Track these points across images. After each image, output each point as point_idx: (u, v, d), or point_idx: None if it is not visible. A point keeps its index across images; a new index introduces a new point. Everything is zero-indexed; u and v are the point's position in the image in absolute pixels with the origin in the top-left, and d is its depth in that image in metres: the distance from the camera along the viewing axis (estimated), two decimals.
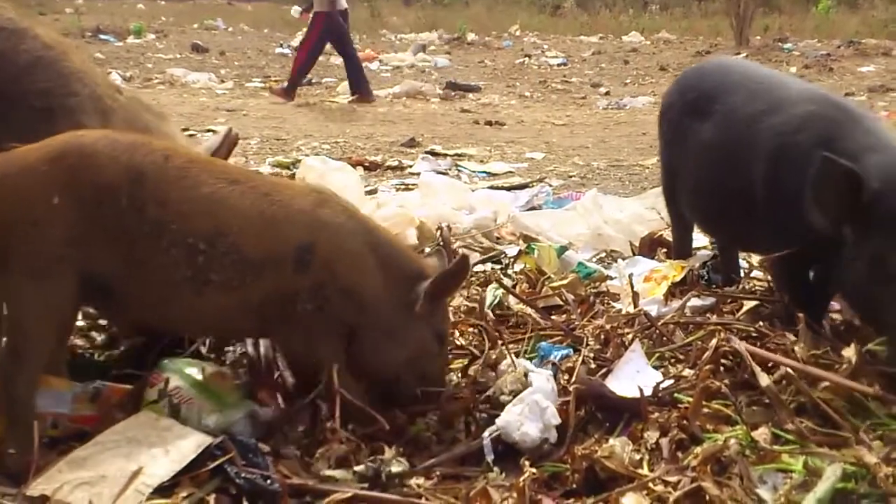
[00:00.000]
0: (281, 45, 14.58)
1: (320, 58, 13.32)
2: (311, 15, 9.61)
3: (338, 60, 13.36)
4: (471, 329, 2.29)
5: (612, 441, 1.74)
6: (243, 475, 1.56)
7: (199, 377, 1.90)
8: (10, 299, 1.68)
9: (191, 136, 6.74)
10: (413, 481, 1.68)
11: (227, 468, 1.58)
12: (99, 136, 1.78)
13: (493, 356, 2.09)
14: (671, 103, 2.95)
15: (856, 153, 2.08)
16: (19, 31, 1.82)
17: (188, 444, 1.62)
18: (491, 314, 2.42)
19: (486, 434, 1.84)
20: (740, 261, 3.00)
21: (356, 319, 1.89)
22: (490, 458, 1.80)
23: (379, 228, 2.00)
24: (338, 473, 1.67)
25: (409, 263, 1.96)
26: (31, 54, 1.80)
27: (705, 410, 1.83)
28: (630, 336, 2.20)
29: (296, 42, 14.76)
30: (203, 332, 2.07)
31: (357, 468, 1.67)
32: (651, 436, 1.77)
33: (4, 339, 1.70)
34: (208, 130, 7.14)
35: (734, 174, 2.48)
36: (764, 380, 1.83)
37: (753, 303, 2.42)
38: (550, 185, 5.33)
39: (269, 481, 1.57)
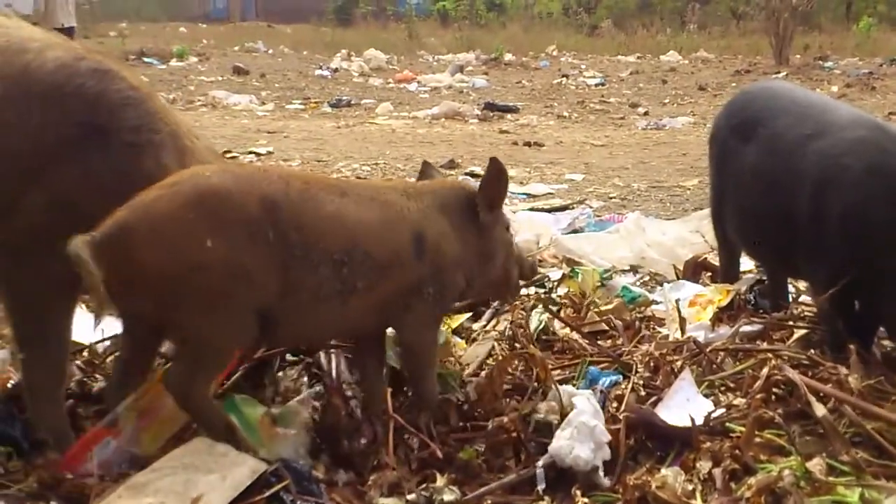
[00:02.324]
0: (320, 67, 14.78)
1: (358, 80, 13.49)
2: None
3: (377, 82, 13.58)
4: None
5: (664, 471, 1.74)
6: (298, 503, 1.58)
7: (259, 429, 1.91)
8: (192, 333, 1.78)
9: (233, 157, 6.87)
10: None
11: (282, 495, 1.60)
12: (219, 173, 1.85)
13: (541, 388, 2.08)
14: (719, 127, 2.95)
15: None
16: (111, 73, 1.94)
17: (244, 471, 1.64)
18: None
19: (539, 462, 1.84)
20: (788, 286, 2.97)
21: (468, 274, 2.07)
22: (542, 486, 1.80)
23: (438, 192, 2.11)
24: (390, 502, 1.68)
25: (457, 199, 2.09)
26: (122, 93, 1.92)
27: (758, 440, 1.82)
28: (679, 363, 2.19)
29: (335, 64, 15.01)
30: (338, 338, 2.15)
31: (409, 496, 1.68)
32: (703, 466, 1.76)
33: (183, 354, 1.83)
34: (250, 152, 7.26)
35: (780, 198, 2.47)
36: (819, 410, 1.81)
37: (803, 330, 2.39)
38: (591, 207, 5.32)
39: None
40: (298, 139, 8.30)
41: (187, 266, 1.71)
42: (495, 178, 2.08)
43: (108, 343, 2.42)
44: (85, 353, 2.35)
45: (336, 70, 14.63)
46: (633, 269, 3.71)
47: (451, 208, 2.06)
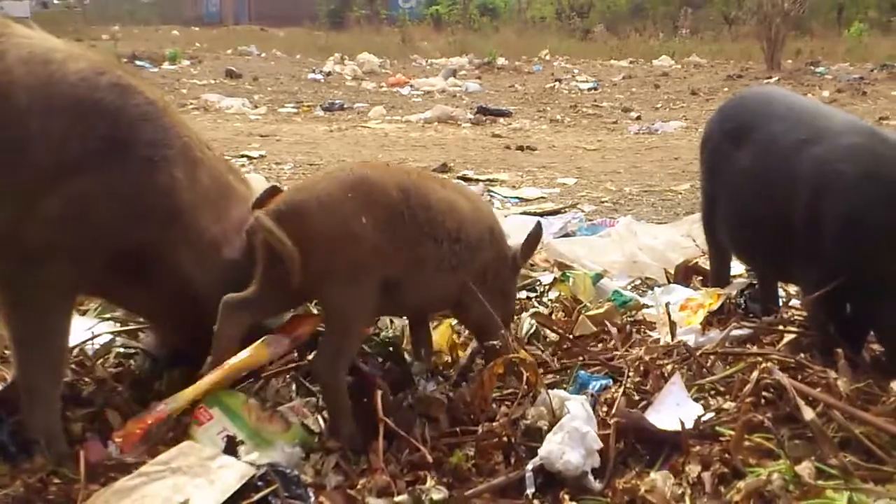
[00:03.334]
0: (313, 71, 14.79)
1: (351, 83, 13.49)
2: None
3: (369, 85, 13.58)
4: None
5: (653, 475, 1.74)
6: None
7: (246, 417, 1.93)
8: (334, 303, 2.04)
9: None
10: None
11: (270, 500, 1.59)
12: (365, 166, 2.23)
13: (532, 392, 2.08)
14: (712, 132, 2.95)
15: None
16: (130, 88, 2.01)
17: (232, 475, 1.63)
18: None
19: (529, 465, 1.84)
20: (779, 290, 2.98)
21: (511, 276, 2.42)
22: (531, 490, 1.80)
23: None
24: (379, 503, 1.68)
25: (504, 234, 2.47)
26: (140, 108, 2.00)
27: (747, 444, 1.82)
28: (669, 367, 2.19)
29: (328, 67, 15.01)
30: (438, 309, 2.46)
31: (398, 498, 1.68)
32: (693, 469, 1.76)
33: (326, 337, 2.06)
34: (242, 156, 7.25)
35: (773, 203, 2.47)
36: (808, 413, 1.81)
37: (793, 334, 2.40)
38: (583, 211, 5.33)
39: None
40: (291, 143, 8.30)
41: (344, 238, 1.98)
42: (536, 238, 2.44)
43: (98, 346, 2.42)
44: (77, 356, 2.34)
45: (329, 74, 14.63)
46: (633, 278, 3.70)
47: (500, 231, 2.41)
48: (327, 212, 1.99)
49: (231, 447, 1.79)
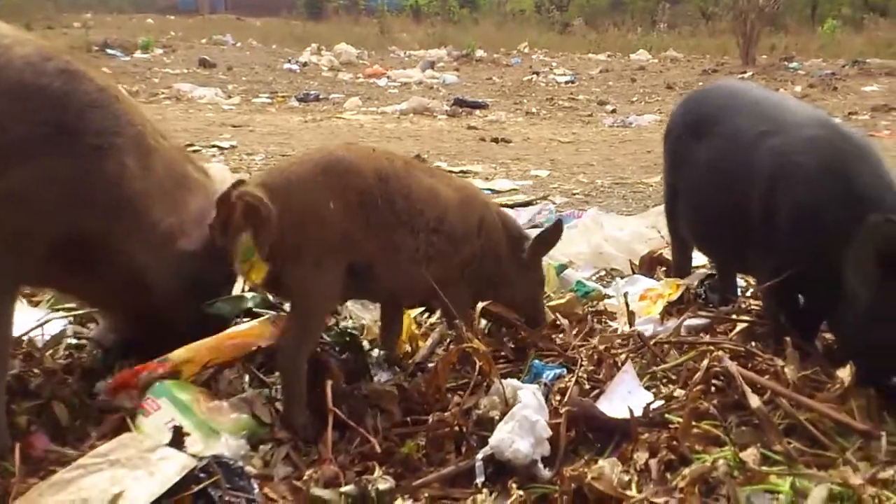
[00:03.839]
0: (289, 61, 14.69)
1: (327, 74, 13.39)
2: None
3: (346, 76, 13.51)
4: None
5: (601, 462, 1.74)
6: (227, 498, 1.56)
7: (195, 407, 1.92)
8: (299, 285, 2.03)
9: (195, 151, 6.80)
10: (399, 503, 1.68)
11: (210, 492, 1.57)
12: (345, 149, 2.16)
13: (485, 381, 2.08)
14: (674, 123, 2.97)
15: (870, 197, 2.07)
16: (78, 74, 1.96)
17: (172, 467, 1.61)
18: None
19: (479, 455, 1.84)
20: (738, 280, 3.00)
21: (494, 271, 2.39)
22: (480, 479, 1.80)
23: (495, 203, 2.57)
24: (325, 494, 1.67)
25: (517, 229, 2.51)
26: (90, 95, 1.96)
27: (696, 431, 1.83)
28: (623, 356, 2.20)
29: (304, 58, 14.92)
30: (414, 298, 2.42)
31: (344, 489, 1.67)
32: (640, 457, 1.76)
33: (290, 319, 2.06)
34: (213, 146, 7.19)
35: (733, 194, 2.48)
36: (754, 401, 1.82)
37: (746, 323, 2.42)
38: (554, 203, 5.34)
39: None
40: (264, 133, 8.24)
41: (311, 220, 1.98)
42: (552, 235, 2.47)
43: (48, 338, 2.39)
44: (25, 347, 2.31)
45: (305, 64, 14.54)
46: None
47: (507, 226, 2.44)
48: (296, 194, 1.98)
49: (177, 438, 1.77)
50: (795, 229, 2.24)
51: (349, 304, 2.69)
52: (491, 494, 1.75)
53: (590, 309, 2.89)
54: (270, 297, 2.44)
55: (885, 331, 1.97)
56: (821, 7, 22.17)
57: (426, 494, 1.75)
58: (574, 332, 2.57)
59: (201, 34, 17.88)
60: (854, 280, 2.00)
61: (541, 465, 1.81)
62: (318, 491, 1.68)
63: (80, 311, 2.56)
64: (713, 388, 1.98)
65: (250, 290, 2.55)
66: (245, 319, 2.35)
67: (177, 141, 2.47)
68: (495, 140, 8.22)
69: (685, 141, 2.79)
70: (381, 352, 2.42)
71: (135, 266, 2.03)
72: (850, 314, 2.05)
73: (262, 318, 2.27)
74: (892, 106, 10.53)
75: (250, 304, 2.34)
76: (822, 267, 2.11)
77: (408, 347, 2.50)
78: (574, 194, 5.81)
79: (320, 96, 11.19)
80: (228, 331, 2.18)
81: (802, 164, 2.26)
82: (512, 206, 5.05)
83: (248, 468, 1.76)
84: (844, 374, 1.96)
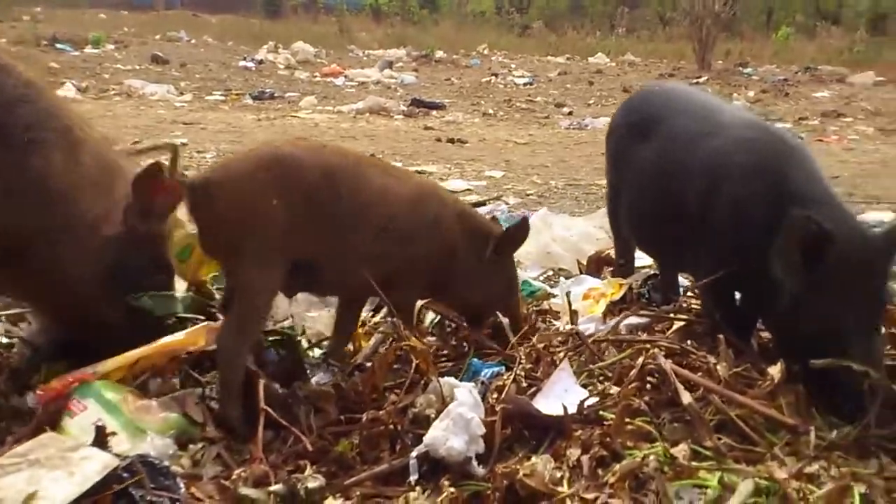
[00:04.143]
0: (244, 59, 14.51)
1: (284, 72, 13.26)
2: None
3: (303, 75, 13.39)
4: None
5: (533, 459, 1.74)
6: (149, 498, 1.53)
7: (123, 407, 1.89)
8: (240, 280, 2.04)
9: (142, 150, 6.68)
10: (330, 502, 1.66)
11: (132, 491, 1.54)
12: (292, 145, 2.14)
13: (423, 379, 2.07)
14: (616, 125, 3.01)
15: (801, 195, 2.11)
16: (7, 68, 1.96)
17: (93, 466, 1.57)
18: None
19: (413, 452, 1.82)
20: (681, 279, 3.03)
21: (451, 269, 2.34)
22: (414, 477, 1.79)
23: (459, 201, 2.53)
24: (253, 493, 1.65)
25: (482, 226, 2.43)
26: (18, 90, 1.95)
27: (628, 428, 1.84)
28: (561, 354, 2.20)
29: (260, 55, 14.75)
30: (364, 294, 2.40)
31: (272, 488, 1.65)
32: (573, 453, 1.77)
33: (231, 314, 2.04)
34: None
35: (673, 194, 2.51)
36: (686, 397, 1.84)
37: (684, 321, 2.44)
38: (507, 203, 5.36)
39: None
40: (215, 131, 8.14)
41: (252, 217, 1.97)
42: (516, 235, 2.42)
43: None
44: None
45: (261, 62, 14.38)
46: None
47: (468, 224, 2.38)
48: (237, 190, 1.97)
49: (100, 438, 1.73)
50: (730, 227, 2.27)
51: (295, 306, 2.66)
52: (424, 492, 1.74)
53: (534, 308, 2.89)
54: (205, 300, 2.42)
55: (810, 322, 2.01)
56: (776, 14, 22.58)
57: (358, 493, 1.74)
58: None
59: (155, 30, 17.58)
60: (779, 273, 2.03)
61: (475, 463, 1.81)
62: (245, 490, 1.66)
63: (10, 312, 2.50)
64: (648, 386, 1.99)
65: (189, 289, 2.52)
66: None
67: (104, 131, 2.43)
68: (451, 140, 8.23)
69: (627, 142, 2.82)
70: (321, 352, 2.40)
71: (62, 259, 2.02)
72: (779, 308, 2.08)
73: (197, 326, 2.22)
74: (840, 112, 10.78)
75: (179, 307, 2.30)
76: (755, 264, 2.14)
77: (350, 346, 2.48)
78: (528, 195, 5.84)
79: (275, 94, 11.09)
80: (161, 340, 2.14)
81: (738, 164, 2.30)
82: None
83: (176, 468, 1.73)
84: (775, 370, 1.99)
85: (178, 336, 2.17)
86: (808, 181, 2.19)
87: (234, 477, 1.71)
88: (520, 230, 2.42)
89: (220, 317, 2.20)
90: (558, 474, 1.71)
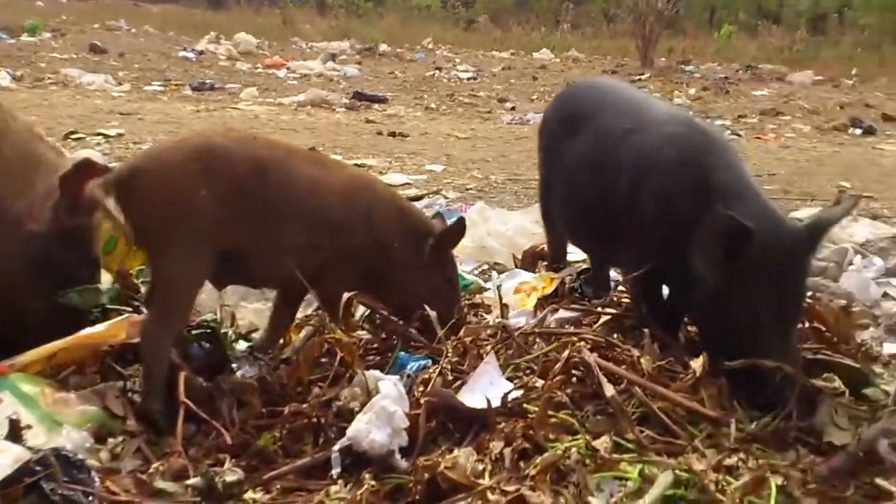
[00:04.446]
0: (185, 49, 14.24)
1: (225, 63, 13.04)
2: None
3: (244, 66, 13.20)
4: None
5: (456, 452, 1.74)
6: (60, 492, 1.49)
7: (40, 400, 1.85)
8: (165, 272, 2.03)
9: (79, 139, 6.52)
10: (250, 495, 1.64)
11: (42, 484, 1.50)
12: (223, 136, 2.15)
13: (349, 372, 2.06)
14: (547, 120, 3.03)
15: (724, 190, 2.15)
16: None
17: (5, 460, 1.54)
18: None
19: (336, 446, 1.81)
20: (612, 273, 3.07)
21: (386, 265, 2.31)
22: (336, 470, 1.77)
23: (399, 196, 2.54)
24: (170, 487, 1.62)
25: (421, 223, 2.42)
26: None
27: (552, 420, 1.85)
28: (488, 347, 2.20)
29: (201, 46, 14.49)
30: (296, 286, 2.29)
31: (190, 481, 1.62)
32: (496, 446, 1.77)
33: (154, 304, 2.04)
34: (99, 133, 6.91)
35: (601, 188, 2.54)
36: (609, 390, 1.86)
37: (612, 315, 2.47)
38: (446, 198, 5.35)
39: (89, 498, 1.50)
40: (153, 122, 7.97)
41: (178, 207, 1.95)
42: (455, 233, 2.45)
43: None
44: None
45: (202, 53, 14.12)
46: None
47: (407, 219, 2.37)
48: (163, 180, 1.96)
49: (14, 431, 1.68)
50: (656, 221, 2.31)
51: (227, 297, 2.62)
52: (346, 486, 1.73)
53: (466, 302, 2.89)
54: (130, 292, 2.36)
55: (729, 316, 2.05)
56: (718, 12, 22.98)
57: (279, 486, 1.71)
58: None
59: (94, 19, 17.12)
60: (700, 268, 2.07)
61: (398, 456, 1.80)
62: (162, 483, 1.64)
63: None
64: (573, 379, 2.01)
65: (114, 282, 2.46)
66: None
67: (29, 120, 2.36)
68: (392, 134, 8.19)
69: (558, 136, 2.85)
70: (248, 344, 2.36)
71: None
72: (701, 302, 2.12)
73: (118, 319, 2.18)
74: (779, 110, 11.03)
75: (104, 299, 2.25)
76: (680, 258, 2.18)
77: (280, 339, 2.46)
78: (468, 189, 5.84)
79: (216, 86, 10.90)
80: (82, 332, 2.09)
81: (664, 159, 2.33)
82: None
83: (93, 461, 1.70)
84: (697, 364, 2.02)
85: (99, 328, 2.13)
86: (732, 176, 2.23)
87: (151, 471, 1.67)
88: (456, 230, 2.45)
89: (145, 310, 2.16)
90: (480, 467, 1.72)
